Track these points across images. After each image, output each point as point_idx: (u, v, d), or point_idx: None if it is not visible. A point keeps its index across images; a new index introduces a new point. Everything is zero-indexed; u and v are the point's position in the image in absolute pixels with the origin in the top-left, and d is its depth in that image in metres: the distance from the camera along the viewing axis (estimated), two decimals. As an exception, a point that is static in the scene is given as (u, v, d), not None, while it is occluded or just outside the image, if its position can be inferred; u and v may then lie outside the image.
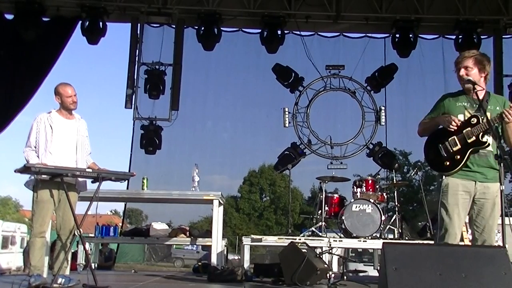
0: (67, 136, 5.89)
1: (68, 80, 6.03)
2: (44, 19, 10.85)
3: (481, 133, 4.55)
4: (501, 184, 4.35)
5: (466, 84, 4.64)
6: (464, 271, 3.85)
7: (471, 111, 4.66)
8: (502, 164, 4.26)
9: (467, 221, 4.99)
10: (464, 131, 4.60)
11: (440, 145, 4.67)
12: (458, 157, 4.59)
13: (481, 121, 4.56)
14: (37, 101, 10.82)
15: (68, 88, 5.90)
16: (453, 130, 4.59)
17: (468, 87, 4.66)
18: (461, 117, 4.66)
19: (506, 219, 4.21)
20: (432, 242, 6.65)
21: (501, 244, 4.29)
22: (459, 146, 4.60)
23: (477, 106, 4.64)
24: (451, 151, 4.62)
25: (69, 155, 5.84)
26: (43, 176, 5.54)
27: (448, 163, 4.63)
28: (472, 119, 4.61)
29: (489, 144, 4.58)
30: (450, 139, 4.63)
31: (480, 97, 4.63)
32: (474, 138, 4.56)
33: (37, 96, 10.75)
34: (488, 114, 4.57)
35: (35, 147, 5.77)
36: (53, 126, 5.81)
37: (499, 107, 4.67)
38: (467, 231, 6.67)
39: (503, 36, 11.22)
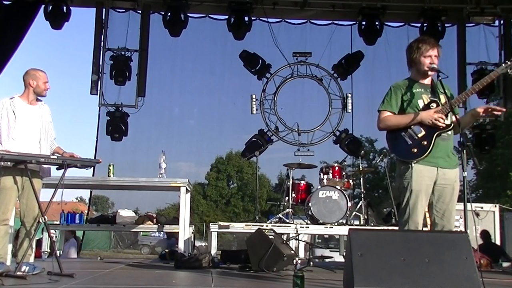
0: (31, 122, 5.77)
1: (33, 65, 5.96)
2: (5, 2, 10.53)
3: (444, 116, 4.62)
4: (464, 171, 4.39)
5: (431, 71, 4.70)
6: (427, 256, 3.91)
7: (427, 96, 4.73)
8: (464, 150, 4.31)
9: None
10: None
11: (403, 133, 4.69)
12: (425, 142, 4.62)
13: (441, 105, 4.64)
14: (-1, 86, 10.58)
15: (45, 74, 5.86)
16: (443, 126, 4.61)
17: (431, 74, 4.74)
18: (420, 103, 4.72)
19: (468, 204, 4.28)
20: (396, 228, 6.76)
21: (463, 230, 4.36)
22: (424, 132, 4.63)
23: (430, 91, 4.73)
24: (417, 137, 4.64)
25: (32, 141, 5.73)
26: (6, 162, 5.44)
27: (415, 150, 4.63)
28: (432, 104, 4.67)
29: (452, 124, 4.65)
30: (412, 126, 4.66)
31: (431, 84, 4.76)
32: None
33: (-1, 82, 10.51)
34: (443, 97, 4.67)
35: (-2, 133, 5.66)
36: (16, 111, 5.69)
37: (447, 90, 4.74)
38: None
39: (466, 25, 11.37)
